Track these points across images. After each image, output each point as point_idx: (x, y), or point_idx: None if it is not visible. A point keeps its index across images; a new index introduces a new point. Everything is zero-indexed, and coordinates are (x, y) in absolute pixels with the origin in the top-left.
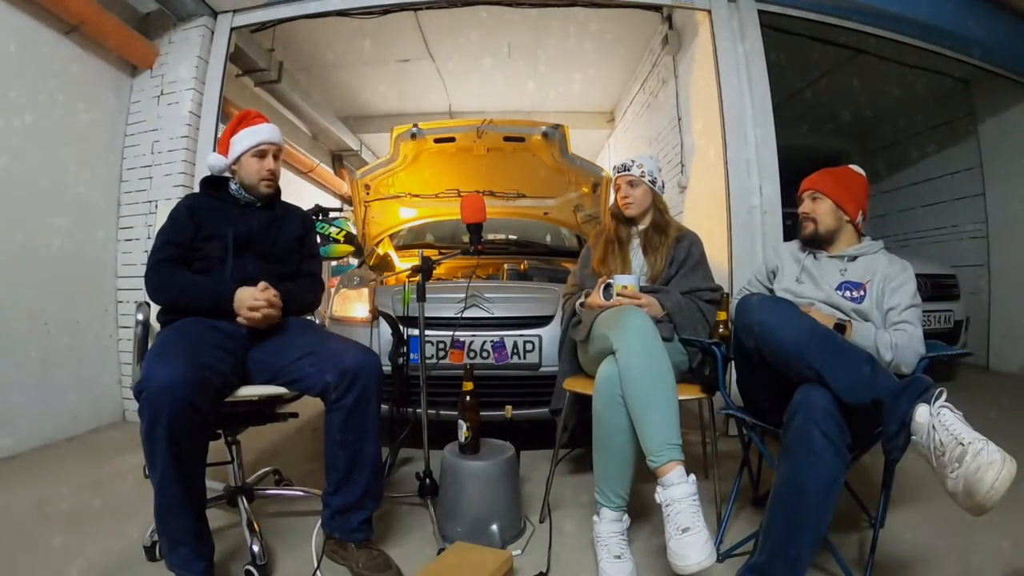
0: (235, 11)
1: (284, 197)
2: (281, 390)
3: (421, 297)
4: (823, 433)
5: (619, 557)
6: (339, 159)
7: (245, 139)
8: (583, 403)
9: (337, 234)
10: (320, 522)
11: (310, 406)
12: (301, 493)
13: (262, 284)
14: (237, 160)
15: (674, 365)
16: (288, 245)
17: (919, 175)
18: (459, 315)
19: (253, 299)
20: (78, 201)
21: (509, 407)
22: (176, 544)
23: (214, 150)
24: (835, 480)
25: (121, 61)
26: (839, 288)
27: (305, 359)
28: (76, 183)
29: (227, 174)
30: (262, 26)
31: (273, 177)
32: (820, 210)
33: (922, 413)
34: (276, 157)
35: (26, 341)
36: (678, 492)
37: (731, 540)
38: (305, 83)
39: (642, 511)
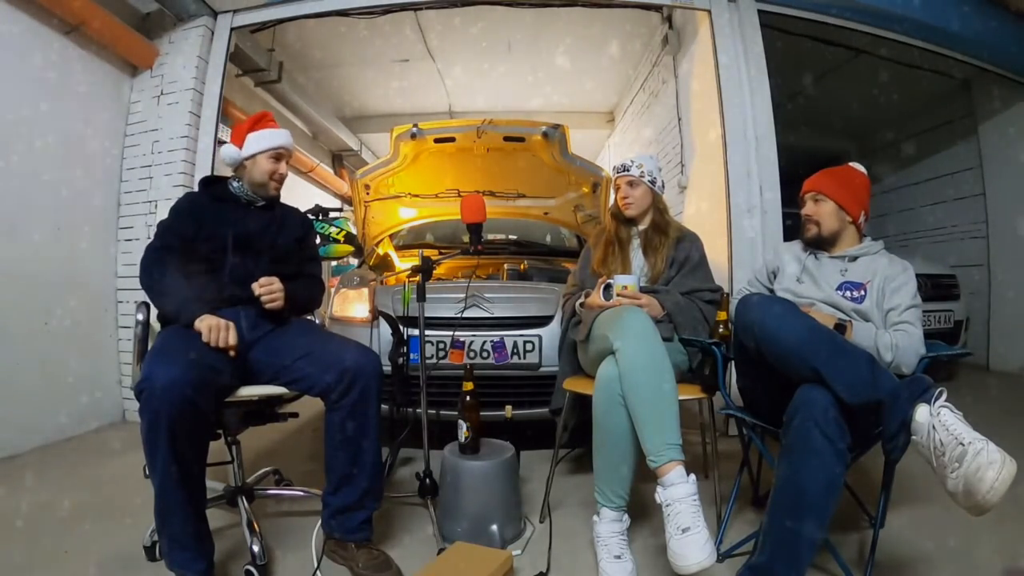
0: (235, 11)
1: (284, 196)
2: (281, 390)
3: (421, 297)
4: (823, 433)
5: (619, 557)
6: (339, 159)
7: (265, 139)
8: (583, 403)
9: (337, 234)
10: (320, 522)
11: (310, 406)
12: (301, 493)
13: (264, 279)
14: (252, 157)
15: (674, 365)
16: (287, 246)
17: (919, 175)
18: (459, 315)
19: (217, 327)
20: (78, 201)
21: (509, 407)
22: (176, 544)
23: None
24: (835, 480)
25: (121, 61)
26: (839, 288)
27: (305, 359)
28: (76, 183)
29: (228, 173)
30: (262, 26)
31: (282, 179)
32: (823, 212)
33: (922, 413)
34: (287, 162)
35: (26, 341)
36: (678, 492)
37: (731, 540)
38: (305, 83)
39: (642, 511)
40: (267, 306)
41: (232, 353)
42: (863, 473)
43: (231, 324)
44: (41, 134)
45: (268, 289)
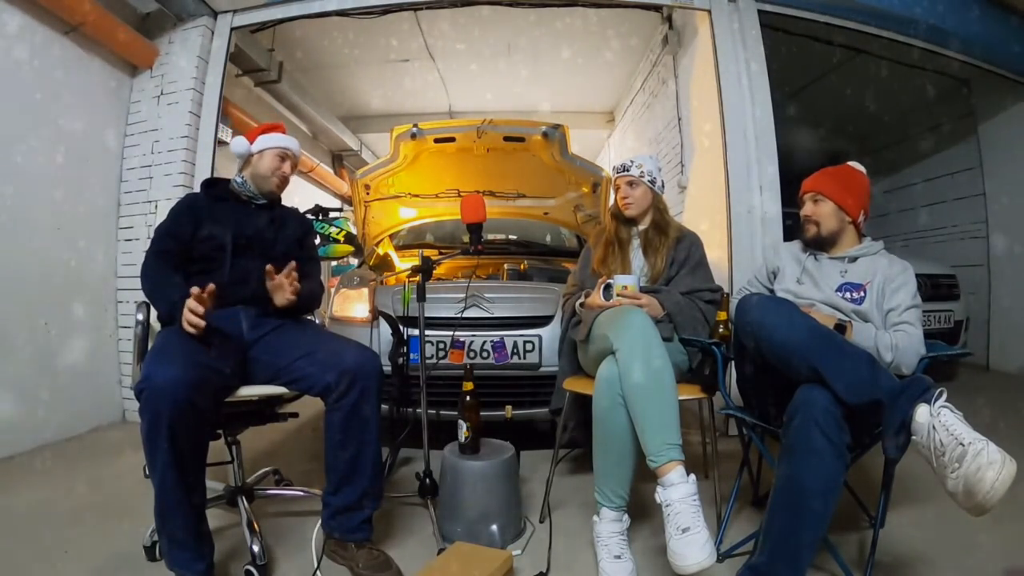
0: (235, 11)
1: (285, 195)
2: (281, 390)
3: (421, 297)
4: (823, 433)
5: (619, 557)
6: (339, 159)
7: (275, 140)
8: (583, 403)
9: (337, 234)
10: (320, 522)
11: (310, 406)
12: (301, 493)
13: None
14: (260, 152)
15: (674, 365)
16: (287, 246)
17: (919, 175)
18: (459, 315)
19: (188, 310)
20: (78, 201)
21: (509, 407)
22: (176, 544)
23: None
24: (835, 480)
25: (121, 61)
26: (839, 289)
27: (305, 359)
28: (76, 183)
29: (233, 175)
30: (262, 26)
31: (284, 180)
32: (822, 212)
33: (922, 413)
34: (292, 168)
35: (26, 341)
36: (678, 492)
37: (731, 540)
38: (305, 83)
39: (642, 511)
40: (281, 300)
41: (193, 329)
42: (863, 473)
43: (192, 297)
44: (41, 134)
45: (293, 278)
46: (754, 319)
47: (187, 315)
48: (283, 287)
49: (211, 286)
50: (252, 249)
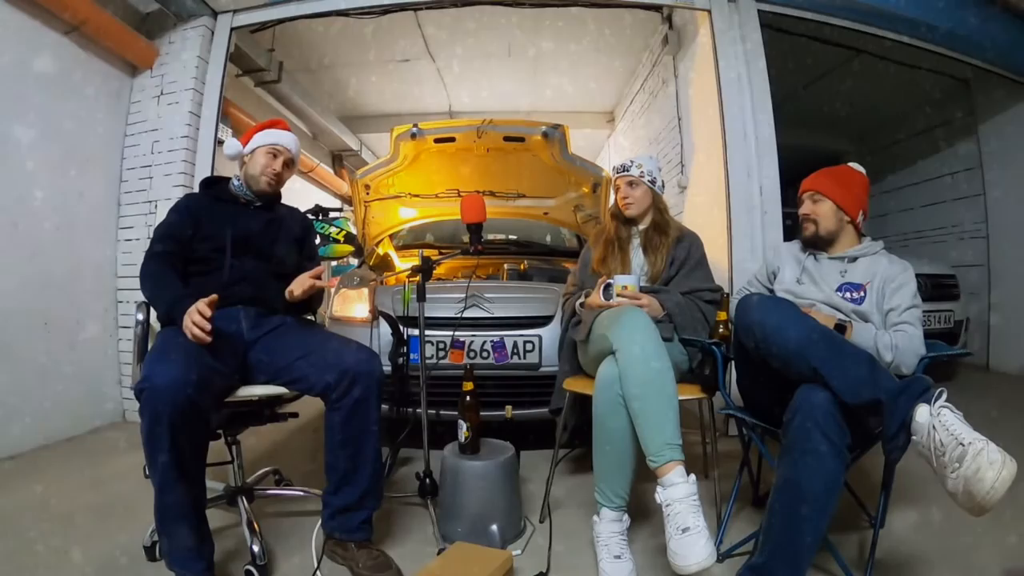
0: (235, 11)
1: (285, 195)
2: (281, 390)
3: (421, 297)
4: (823, 433)
5: (619, 557)
6: (339, 159)
7: (265, 137)
8: (583, 403)
9: (337, 234)
10: (320, 522)
11: (310, 406)
12: (301, 493)
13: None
14: (252, 152)
15: (674, 365)
16: (286, 246)
17: (919, 175)
18: (459, 315)
19: (191, 317)
20: (78, 201)
21: (509, 407)
22: (176, 544)
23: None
24: (835, 480)
25: (121, 61)
26: (839, 289)
27: (305, 359)
28: (76, 183)
29: (230, 175)
30: (262, 26)
31: (276, 178)
32: (821, 211)
33: (922, 413)
34: (287, 165)
35: (26, 341)
36: (678, 492)
37: (731, 540)
38: (305, 83)
39: (642, 511)
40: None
41: (206, 337)
42: (863, 473)
43: (198, 307)
44: (41, 134)
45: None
46: (754, 319)
47: (195, 331)
48: (303, 284)
49: (214, 296)
50: (251, 250)
